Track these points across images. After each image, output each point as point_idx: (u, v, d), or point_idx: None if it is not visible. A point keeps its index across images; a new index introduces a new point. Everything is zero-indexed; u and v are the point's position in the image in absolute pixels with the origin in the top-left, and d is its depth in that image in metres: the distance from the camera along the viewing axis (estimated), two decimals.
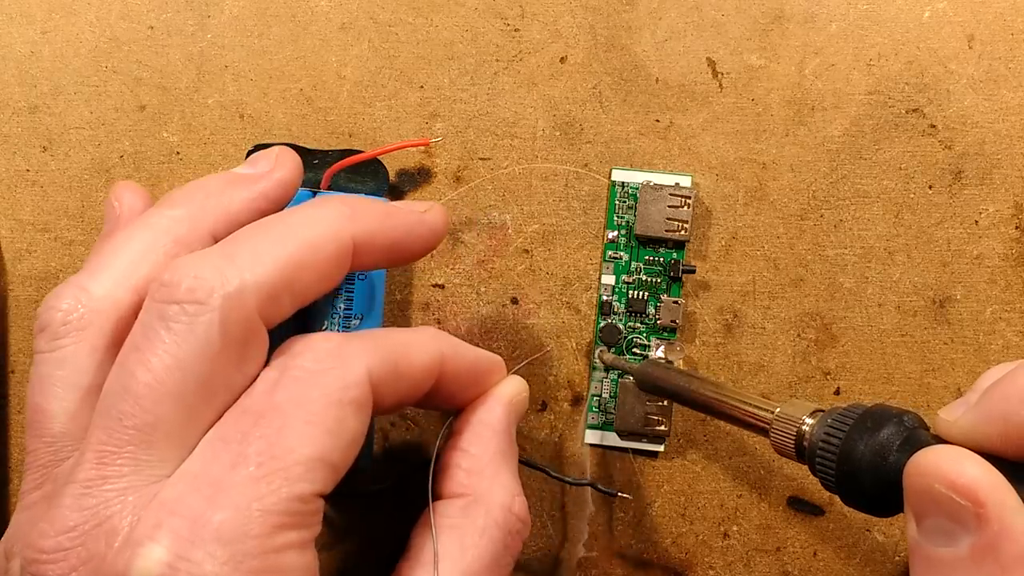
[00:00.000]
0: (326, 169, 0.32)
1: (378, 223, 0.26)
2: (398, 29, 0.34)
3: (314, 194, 0.31)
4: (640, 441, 0.34)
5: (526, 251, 0.35)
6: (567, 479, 0.33)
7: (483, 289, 0.35)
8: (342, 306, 0.29)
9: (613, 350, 0.34)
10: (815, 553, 0.35)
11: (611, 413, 0.34)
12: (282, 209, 0.28)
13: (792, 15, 0.34)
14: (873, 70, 0.34)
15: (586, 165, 0.35)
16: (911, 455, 0.21)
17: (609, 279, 0.34)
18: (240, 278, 0.23)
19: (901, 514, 0.21)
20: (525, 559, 0.35)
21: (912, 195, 0.34)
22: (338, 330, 0.28)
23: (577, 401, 0.35)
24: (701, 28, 0.34)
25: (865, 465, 0.22)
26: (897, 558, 0.35)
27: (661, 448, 0.34)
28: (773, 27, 0.34)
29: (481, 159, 0.35)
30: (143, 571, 0.21)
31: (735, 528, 0.35)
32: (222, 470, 0.22)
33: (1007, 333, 0.34)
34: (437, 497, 0.27)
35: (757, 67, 0.34)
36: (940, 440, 0.22)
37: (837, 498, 0.23)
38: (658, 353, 0.34)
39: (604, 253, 0.34)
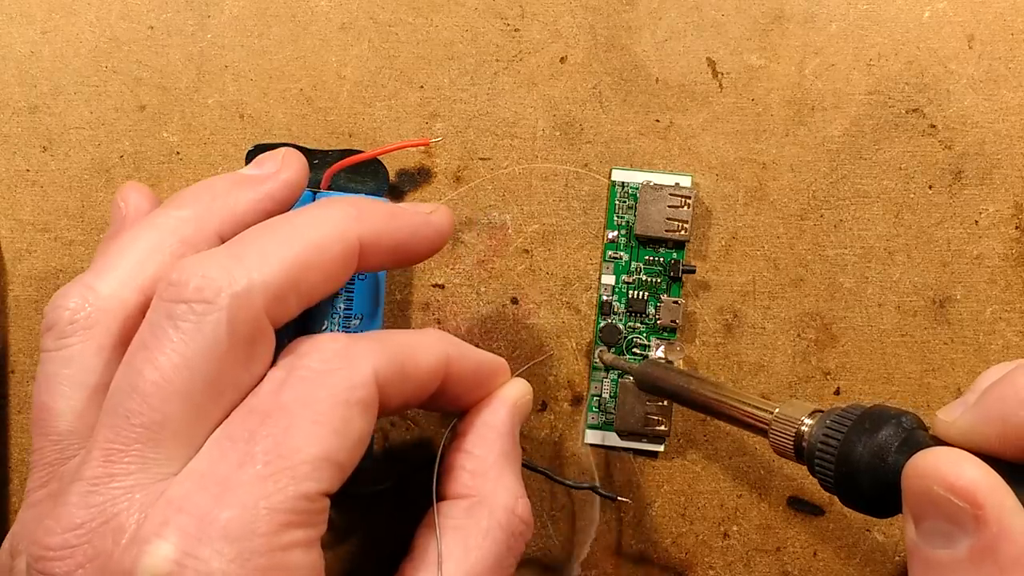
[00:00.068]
0: (326, 169, 0.32)
1: (384, 224, 0.26)
2: (398, 29, 0.34)
3: (315, 194, 0.31)
4: (640, 441, 0.34)
5: (526, 251, 0.35)
6: (568, 482, 0.33)
7: (483, 289, 0.35)
8: (342, 306, 0.29)
9: (613, 350, 0.34)
10: (815, 553, 0.35)
11: (611, 413, 0.34)
12: (288, 210, 0.28)
13: (792, 15, 0.34)
14: (873, 70, 0.34)
15: (586, 165, 0.35)
16: (909, 456, 0.21)
17: (609, 279, 0.34)
18: (248, 278, 0.23)
19: (900, 515, 0.21)
20: (526, 559, 0.35)
21: (912, 195, 0.34)
22: (338, 330, 0.28)
23: (577, 401, 0.35)
24: (701, 28, 0.34)
25: (864, 466, 0.22)
26: (897, 558, 0.35)
27: (661, 448, 0.34)
28: (773, 27, 0.34)
29: (481, 159, 0.35)
30: (150, 568, 0.21)
31: (735, 528, 0.35)
32: (229, 468, 0.22)
33: (1007, 333, 0.34)
34: (441, 498, 0.27)
35: (757, 67, 0.34)
36: (938, 441, 0.22)
37: (837, 498, 0.23)
38: (658, 353, 0.34)
39: (604, 253, 0.34)
